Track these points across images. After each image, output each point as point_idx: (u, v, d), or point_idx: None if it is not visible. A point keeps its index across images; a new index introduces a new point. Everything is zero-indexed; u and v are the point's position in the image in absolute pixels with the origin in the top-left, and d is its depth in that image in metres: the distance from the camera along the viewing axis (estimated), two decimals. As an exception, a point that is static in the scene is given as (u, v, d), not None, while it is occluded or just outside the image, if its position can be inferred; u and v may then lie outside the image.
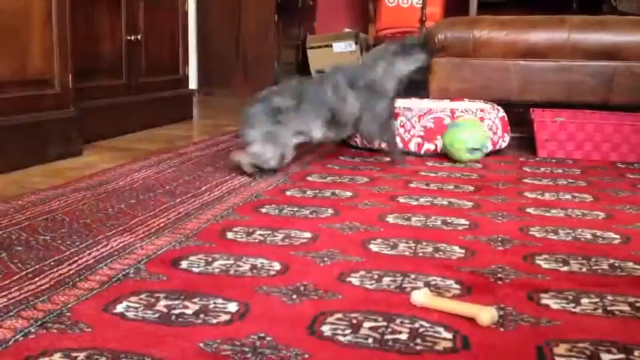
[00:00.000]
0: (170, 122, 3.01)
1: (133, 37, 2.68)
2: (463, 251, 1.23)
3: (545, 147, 2.29)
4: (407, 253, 1.21)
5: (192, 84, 4.34)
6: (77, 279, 1.03)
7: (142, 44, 2.77)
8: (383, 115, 2.00)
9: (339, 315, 0.92)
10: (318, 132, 1.93)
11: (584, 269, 1.14)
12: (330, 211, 1.50)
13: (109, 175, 1.82)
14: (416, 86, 2.07)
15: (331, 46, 4.92)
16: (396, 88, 2.01)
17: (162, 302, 0.95)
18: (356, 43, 4.88)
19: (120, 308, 0.93)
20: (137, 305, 0.94)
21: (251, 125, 1.85)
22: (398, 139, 2.15)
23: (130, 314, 0.91)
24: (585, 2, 4.22)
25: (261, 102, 1.87)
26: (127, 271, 1.07)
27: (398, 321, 0.90)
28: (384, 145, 2.15)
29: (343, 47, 4.92)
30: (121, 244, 1.20)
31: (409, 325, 0.89)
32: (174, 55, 3.11)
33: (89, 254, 1.15)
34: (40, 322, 0.87)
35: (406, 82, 2.02)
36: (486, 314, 0.90)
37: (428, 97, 2.63)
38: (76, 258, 1.12)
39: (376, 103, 1.97)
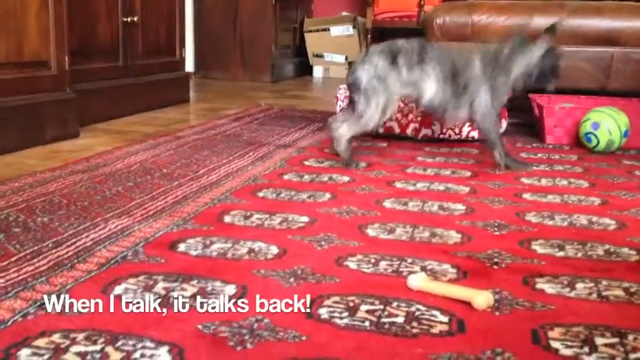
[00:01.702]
0: (167, 105, 3.00)
1: (129, 19, 2.66)
2: (459, 236, 1.23)
3: (552, 133, 2.29)
4: (404, 238, 1.21)
5: (189, 67, 4.31)
6: (75, 261, 1.03)
7: (139, 26, 2.75)
8: (499, 94, 1.86)
9: (337, 298, 0.93)
10: (432, 85, 1.83)
11: (579, 254, 1.15)
12: (328, 195, 1.51)
13: (106, 158, 1.81)
14: (546, 77, 1.88)
15: (329, 29, 4.90)
16: (519, 77, 1.87)
17: (161, 284, 0.95)
18: (354, 27, 4.86)
19: (118, 290, 0.93)
20: (135, 287, 0.94)
21: (364, 64, 1.81)
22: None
23: (128, 296, 0.91)
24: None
25: (384, 43, 1.86)
26: (125, 253, 1.07)
27: (394, 304, 0.91)
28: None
29: (341, 31, 4.89)
30: (119, 227, 1.21)
31: (405, 309, 0.90)
32: (170, 37, 3.09)
33: (87, 236, 1.15)
34: (39, 304, 0.87)
35: (536, 73, 1.87)
36: (482, 298, 0.91)
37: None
38: (74, 240, 1.13)
39: (497, 76, 1.85)
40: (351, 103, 1.87)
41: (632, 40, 2.54)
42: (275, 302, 0.89)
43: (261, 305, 0.89)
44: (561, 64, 1.93)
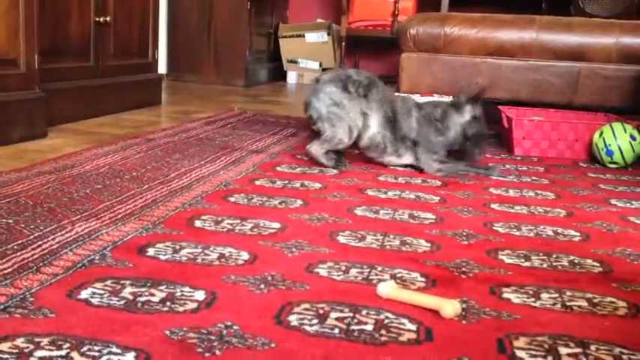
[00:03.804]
0: (138, 107, 2.96)
1: (102, 19, 2.62)
2: (429, 245, 1.25)
3: (521, 145, 2.33)
4: (374, 246, 1.22)
5: (162, 69, 4.28)
6: (41, 264, 1.01)
7: (111, 26, 2.72)
8: (436, 150, 1.93)
9: (306, 305, 0.93)
10: (375, 124, 1.88)
11: (544, 265, 1.17)
12: (299, 202, 1.51)
13: (75, 159, 1.78)
14: (475, 142, 1.97)
15: (303, 36, 4.91)
16: (454, 137, 1.94)
17: (128, 289, 0.94)
18: (328, 34, 4.88)
19: (85, 294, 0.91)
20: (102, 291, 0.93)
21: (317, 95, 1.85)
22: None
23: (95, 300, 0.90)
24: (554, 3, 4.30)
25: (333, 71, 1.91)
26: (92, 257, 1.06)
27: (364, 312, 0.92)
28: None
29: (316, 38, 4.91)
30: (87, 230, 1.19)
31: (375, 317, 0.91)
32: (143, 38, 3.06)
33: (53, 239, 1.13)
34: (2, 307, 0.85)
35: (464, 135, 1.94)
36: (450, 307, 0.92)
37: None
38: (40, 242, 1.10)
39: (431, 134, 1.93)
40: (316, 133, 1.90)
41: (598, 56, 2.62)
42: (245, 308, 0.88)
43: (231, 311, 0.88)
44: (486, 134, 2.00)
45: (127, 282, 0.97)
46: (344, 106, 1.85)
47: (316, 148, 1.89)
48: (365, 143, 1.92)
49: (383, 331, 0.86)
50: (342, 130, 1.86)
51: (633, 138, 2.13)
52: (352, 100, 1.86)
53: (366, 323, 0.88)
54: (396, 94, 2.04)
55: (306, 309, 0.92)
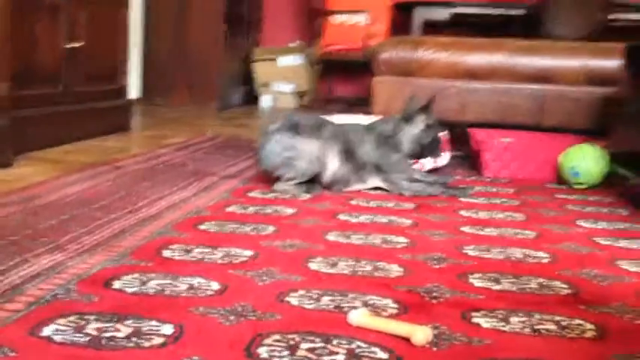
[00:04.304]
0: (108, 133, 2.93)
1: (72, 45, 2.60)
2: (401, 270, 1.25)
3: (490, 167, 2.36)
4: (346, 272, 1.22)
5: (134, 93, 4.25)
6: (2, 300, 0.98)
7: (82, 52, 2.70)
8: (399, 169, 1.96)
9: (277, 336, 0.91)
10: (334, 161, 1.91)
11: (514, 288, 1.18)
12: (272, 228, 1.50)
13: (41, 189, 1.75)
14: (430, 148, 2.04)
15: (277, 59, 4.94)
16: (410, 148, 2.00)
17: (93, 325, 0.92)
18: (302, 58, 4.92)
19: (47, 331, 0.89)
20: (65, 328, 0.90)
21: (267, 146, 1.87)
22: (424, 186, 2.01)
23: (58, 337, 0.87)
24: (523, 26, 4.41)
25: (281, 119, 1.93)
26: (56, 291, 1.03)
27: (335, 342, 0.91)
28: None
29: (289, 61, 4.94)
30: (51, 263, 1.16)
31: (346, 346, 0.90)
32: (115, 64, 3.04)
33: (16, 273, 1.09)
34: (-41, 348, 0.82)
35: (419, 145, 2.00)
36: (421, 334, 0.92)
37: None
38: (1, 277, 1.07)
39: (389, 154, 1.96)
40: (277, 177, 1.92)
41: (566, 79, 2.68)
42: (214, 341, 0.86)
43: (199, 345, 0.87)
44: (439, 141, 2.06)
45: (92, 317, 0.94)
46: (297, 147, 1.87)
47: (282, 186, 1.90)
48: (328, 180, 1.95)
49: (353, 361, 0.85)
50: (303, 163, 1.87)
51: (600, 159, 2.17)
52: (305, 140, 1.88)
53: (337, 353, 0.87)
54: (345, 122, 2.07)
55: (277, 340, 0.90)
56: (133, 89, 4.05)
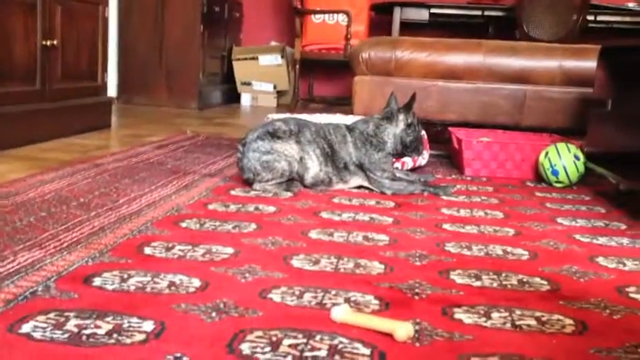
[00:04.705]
0: (87, 131, 2.89)
1: (48, 42, 2.56)
2: (383, 267, 1.25)
3: (470, 166, 2.38)
4: (328, 269, 1.22)
5: (112, 92, 4.20)
6: (-22, 298, 0.96)
7: (59, 49, 2.66)
8: (382, 168, 1.96)
9: (259, 333, 0.91)
10: (315, 163, 1.91)
11: (494, 284, 1.19)
12: (253, 225, 1.49)
13: (18, 186, 1.72)
14: (412, 147, 2.03)
15: (257, 58, 4.92)
16: (392, 147, 2.00)
17: (73, 322, 0.90)
18: (282, 57, 4.91)
19: (26, 328, 0.87)
20: (45, 325, 0.89)
21: (247, 155, 1.87)
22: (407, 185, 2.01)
23: (37, 334, 0.86)
24: (499, 27, 4.46)
25: (261, 126, 1.92)
26: (35, 288, 1.01)
27: (318, 337, 0.91)
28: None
29: (269, 60, 4.93)
30: (30, 260, 1.14)
31: (328, 342, 0.90)
32: (92, 61, 3.00)
33: (-7, 271, 1.08)
34: None
35: (401, 144, 2.00)
36: (402, 330, 0.92)
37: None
38: (-22, 275, 1.05)
39: (372, 153, 1.96)
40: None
41: (543, 79, 2.71)
42: (195, 338, 0.86)
43: (181, 341, 0.86)
44: (420, 140, 2.08)
45: (72, 314, 0.93)
46: (276, 150, 1.86)
47: (262, 185, 1.89)
48: (310, 182, 1.95)
49: (337, 357, 0.85)
50: (283, 163, 1.86)
51: (577, 158, 2.20)
52: (284, 143, 1.88)
53: (319, 349, 0.87)
54: (328, 122, 2.07)
55: (259, 336, 0.90)
56: (111, 88, 4.00)
